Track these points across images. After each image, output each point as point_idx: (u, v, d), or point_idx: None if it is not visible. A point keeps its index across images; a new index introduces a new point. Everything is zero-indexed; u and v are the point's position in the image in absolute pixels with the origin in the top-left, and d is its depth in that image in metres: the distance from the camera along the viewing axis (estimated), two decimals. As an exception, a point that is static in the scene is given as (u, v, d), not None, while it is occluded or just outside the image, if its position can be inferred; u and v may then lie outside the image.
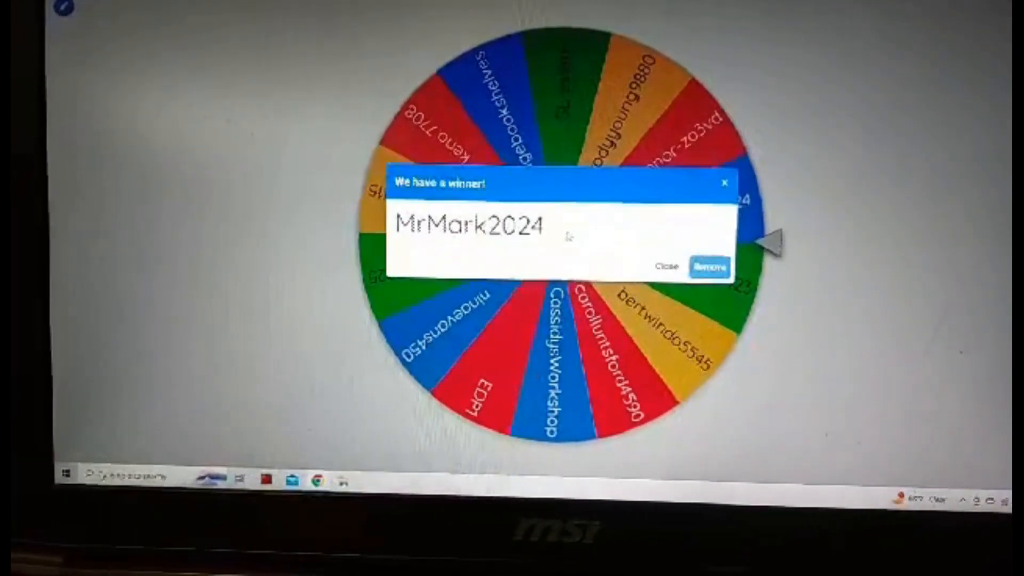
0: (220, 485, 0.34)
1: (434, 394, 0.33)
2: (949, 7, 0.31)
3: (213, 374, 0.33)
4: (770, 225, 0.32)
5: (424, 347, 0.33)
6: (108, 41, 0.32)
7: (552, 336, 0.33)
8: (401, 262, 0.33)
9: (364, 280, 0.33)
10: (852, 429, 0.32)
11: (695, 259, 0.32)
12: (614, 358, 0.33)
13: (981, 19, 0.31)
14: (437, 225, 0.32)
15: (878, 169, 0.31)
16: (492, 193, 0.32)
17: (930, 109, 0.31)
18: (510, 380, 0.33)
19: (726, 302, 0.32)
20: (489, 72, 0.32)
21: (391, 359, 0.33)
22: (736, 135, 0.32)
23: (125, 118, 0.32)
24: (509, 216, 0.32)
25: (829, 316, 0.32)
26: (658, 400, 0.33)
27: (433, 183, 0.32)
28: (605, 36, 0.32)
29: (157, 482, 0.34)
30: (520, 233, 0.32)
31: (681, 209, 0.32)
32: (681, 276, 0.32)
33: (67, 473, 0.34)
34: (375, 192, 0.32)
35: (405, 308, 0.33)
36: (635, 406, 0.33)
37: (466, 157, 0.32)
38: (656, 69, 0.32)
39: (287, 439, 0.33)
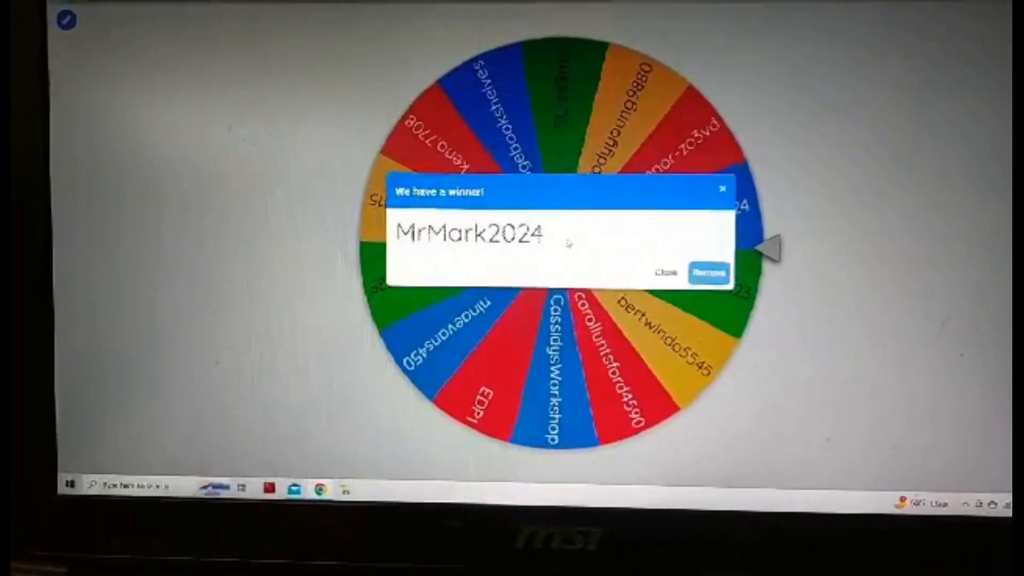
0: (223, 495, 0.34)
1: (435, 402, 0.33)
2: (947, 12, 0.31)
3: (215, 384, 0.33)
4: (769, 230, 0.32)
5: (425, 355, 0.33)
6: (110, 53, 0.32)
7: (553, 343, 0.33)
8: (401, 271, 0.33)
9: (365, 289, 0.33)
10: (853, 434, 0.32)
11: (694, 265, 0.32)
12: (615, 365, 0.33)
13: (980, 23, 0.31)
14: (437, 234, 0.33)
15: (876, 173, 0.31)
16: (492, 201, 0.32)
17: (928, 114, 0.31)
18: (511, 388, 0.33)
19: (726, 308, 0.32)
20: (488, 81, 0.32)
21: (392, 368, 0.33)
22: (734, 141, 0.32)
23: (127, 128, 0.33)
24: (509, 224, 0.32)
25: (829, 321, 0.32)
26: (659, 406, 0.33)
27: (433, 192, 0.33)
28: (602, 45, 0.32)
29: (160, 492, 0.34)
30: (520, 241, 0.32)
31: (680, 215, 0.32)
32: (681, 282, 0.32)
33: (71, 484, 0.34)
34: (375, 201, 0.33)
35: (405, 316, 0.33)
36: (636, 412, 0.33)
37: (466, 166, 0.32)
38: (653, 77, 0.32)
39: (289, 448, 0.34)
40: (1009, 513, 0.32)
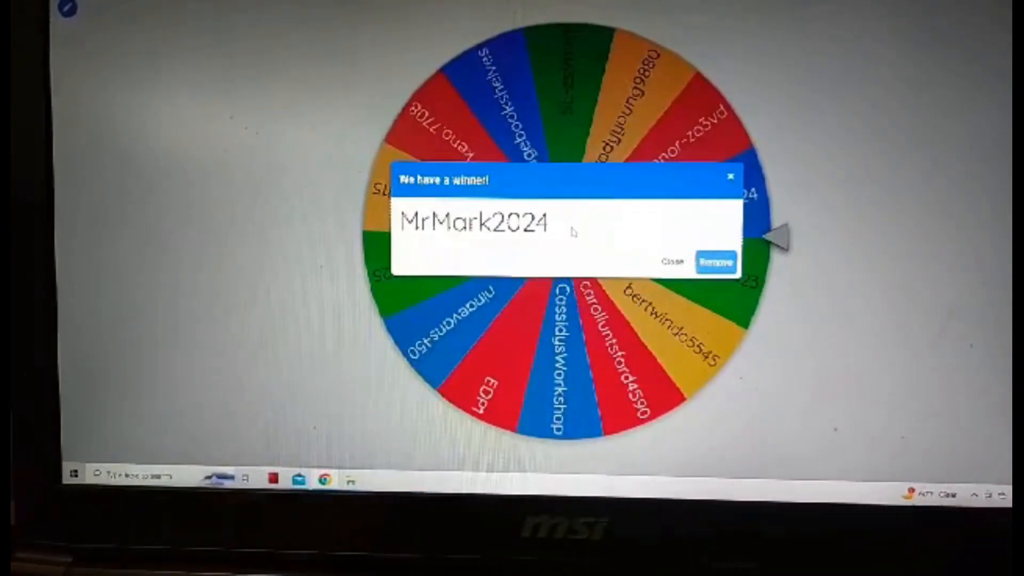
0: (227, 484, 0.34)
1: (440, 392, 0.33)
2: (953, 4, 0.31)
3: (219, 374, 0.33)
4: (776, 219, 0.32)
5: (430, 345, 0.33)
6: (112, 41, 0.32)
7: (558, 333, 0.33)
8: (406, 260, 0.33)
9: (369, 278, 0.33)
10: (861, 424, 0.32)
11: (701, 254, 0.32)
12: (620, 355, 0.33)
13: (985, 15, 0.31)
14: (442, 223, 0.32)
15: (884, 162, 0.31)
16: (496, 190, 0.32)
17: (937, 103, 0.31)
18: (516, 377, 0.33)
19: (733, 297, 0.32)
20: (493, 68, 0.32)
21: (397, 357, 0.33)
22: (742, 129, 0.31)
23: (129, 117, 0.32)
24: (514, 213, 0.32)
25: (837, 310, 0.32)
26: (665, 397, 0.33)
27: (437, 180, 0.32)
28: (609, 31, 0.31)
29: (164, 482, 0.34)
30: (525, 230, 0.32)
31: (687, 204, 0.32)
32: (687, 271, 0.32)
33: (75, 473, 0.34)
34: (379, 190, 0.32)
35: (410, 306, 0.33)
36: (642, 403, 0.33)
37: (470, 154, 0.32)
38: (661, 63, 0.31)
39: (293, 438, 0.33)
40: (1018, 504, 0.32)
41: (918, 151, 0.31)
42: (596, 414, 0.33)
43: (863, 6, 0.31)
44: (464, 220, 0.32)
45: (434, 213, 0.32)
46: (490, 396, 0.33)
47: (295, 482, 0.34)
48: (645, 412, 0.33)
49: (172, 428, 0.34)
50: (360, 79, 0.32)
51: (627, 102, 0.32)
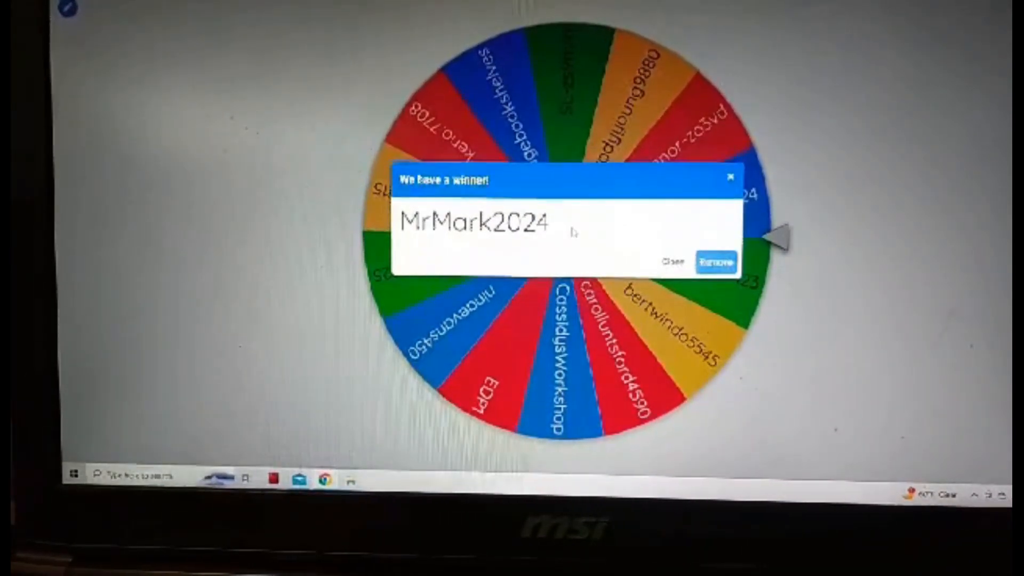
0: (227, 485, 0.34)
1: (441, 392, 0.33)
2: (954, 3, 0.31)
3: (219, 373, 0.33)
4: (777, 219, 0.32)
5: (430, 345, 0.33)
6: (112, 41, 0.32)
7: (558, 333, 0.33)
8: (406, 260, 0.33)
9: (369, 278, 0.33)
10: (861, 424, 0.32)
11: (701, 254, 0.32)
12: (621, 355, 0.33)
13: (985, 15, 0.31)
14: (442, 223, 0.32)
15: (884, 162, 0.31)
16: (497, 190, 0.32)
17: (937, 103, 0.31)
18: (516, 377, 0.33)
19: (733, 297, 0.32)
20: (493, 68, 0.32)
21: (397, 357, 0.33)
22: (742, 129, 0.31)
23: (130, 117, 0.32)
24: (514, 213, 0.32)
25: (837, 310, 0.32)
26: (665, 397, 0.33)
27: (438, 180, 0.32)
28: (609, 31, 0.31)
29: (164, 482, 0.34)
30: (525, 230, 0.32)
31: (687, 204, 0.32)
32: (688, 271, 0.32)
33: (75, 473, 0.34)
34: (380, 190, 0.32)
35: (411, 306, 0.33)
36: (642, 403, 0.33)
37: (471, 154, 0.32)
38: (661, 64, 0.31)
39: (294, 438, 0.33)
40: (1018, 504, 0.32)
41: (918, 151, 0.31)
42: (596, 414, 0.33)
43: (863, 6, 0.31)
44: (464, 220, 0.32)
45: (434, 213, 0.32)
46: (490, 396, 0.33)
47: (295, 482, 0.34)
48: (645, 412, 0.33)
49: (172, 428, 0.34)
50: (360, 79, 0.32)
51: (627, 102, 0.32)
